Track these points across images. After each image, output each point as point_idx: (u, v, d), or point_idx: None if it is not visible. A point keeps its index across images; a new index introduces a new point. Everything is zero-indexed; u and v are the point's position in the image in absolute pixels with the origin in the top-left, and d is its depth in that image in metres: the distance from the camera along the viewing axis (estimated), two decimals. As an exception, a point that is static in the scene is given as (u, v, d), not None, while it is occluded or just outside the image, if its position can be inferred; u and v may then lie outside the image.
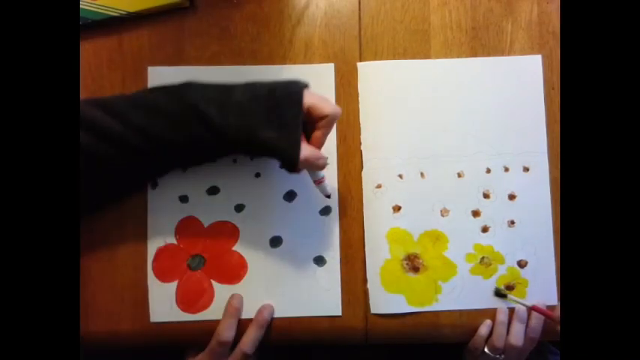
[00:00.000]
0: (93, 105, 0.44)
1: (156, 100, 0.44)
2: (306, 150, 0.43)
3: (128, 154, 0.44)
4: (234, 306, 0.52)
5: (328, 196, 0.52)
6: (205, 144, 0.44)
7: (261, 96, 0.43)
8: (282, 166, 0.44)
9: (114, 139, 0.43)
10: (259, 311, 0.52)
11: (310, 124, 0.45)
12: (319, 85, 0.55)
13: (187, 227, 0.54)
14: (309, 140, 0.46)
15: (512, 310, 0.53)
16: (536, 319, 0.53)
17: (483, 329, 0.53)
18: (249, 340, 0.50)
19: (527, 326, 0.53)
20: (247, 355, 0.51)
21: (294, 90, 0.43)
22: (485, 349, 0.53)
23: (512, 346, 0.52)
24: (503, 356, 0.53)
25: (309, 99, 0.43)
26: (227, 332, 0.50)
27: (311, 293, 0.54)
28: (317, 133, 0.45)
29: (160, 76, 0.54)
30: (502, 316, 0.53)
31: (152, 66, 0.54)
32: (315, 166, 0.46)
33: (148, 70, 0.54)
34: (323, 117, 0.44)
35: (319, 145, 0.46)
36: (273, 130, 0.42)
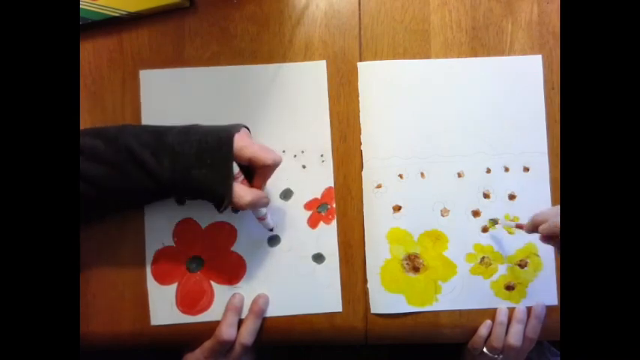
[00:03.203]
0: None
1: (94, 147, 0.45)
2: (250, 194, 0.46)
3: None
4: (235, 305, 0.52)
5: (271, 230, 0.54)
6: (144, 187, 0.46)
7: (194, 140, 0.45)
8: (215, 205, 0.47)
9: None
10: (254, 301, 0.53)
11: (253, 170, 0.48)
12: (312, 83, 0.55)
13: (185, 229, 0.54)
14: (251, 184, 0.48)
15: (511, 311, 0.54)
16: (535, 320, 0.53)
17: (483, 329, 0.53)
18: (247, 332, 0.51)
19: (525, 326, 0.53)
20: (247, 348, 0.51)
21: (225, 136, 0.45)
22: (484, 350, 0.53)
23: (511, 346, 0.52)
24: (501, 356, 0.53)
25: (249, 150, 0.45)
26: (228, 331, 0.50)
27: (311, 291, 0.54)
28: (258, 180, 0.48)
29: (153, 79, 0.54)
30: (501, 317, 0.53)
31: (144, 69, 0.54)
32: (260, 206, 0.49)
33: (140, 74, 0.54)
34: (265, 166, 0.46)
35: (261, 188, 0.49)
36: (205, 169, 0.44)
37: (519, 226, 0.51)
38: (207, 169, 0.44)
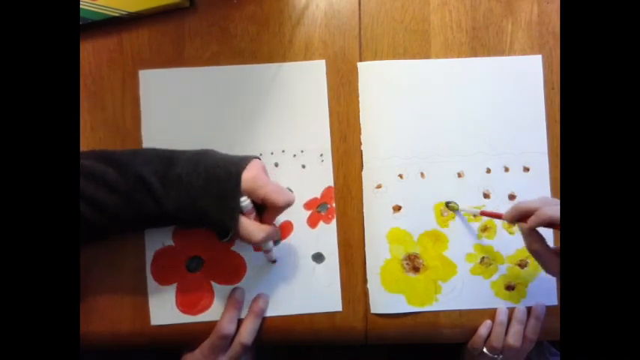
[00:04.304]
0: None
1: (105, 174, 0.45)
2: (262, 232, 0.46)
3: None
4: (236, 299, 0.52)
5: (274, 262, 0.53)
6: (150, 214, 0.45)
7: (202, 171, 0.45)
8: (217, 234, 0.47)
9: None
10: (254, 301, 0.53)
11: (264, 206, 0.47)
12: (312, 83, 0.55)
13: (185, 229, 0.54)
14: (262, 219, 0.48)
15: (511, 311, 0.54)
16: (535, 320, 0.53)
17: (483, 329, 0.53)
18: (247, 331, 0.51)
19: (525, 327, 0.53)
20: (246, 347, 0.51)
21: (234, 171, 0.45)
22: (484, 350, 0.53)
23: (511, 346, 0.52)
24: (501, 356, 0.53)
25: (263, 190, 0.45)
26: (228, 325, 0.50)
27: (311, 291, 0.54)
28: (269, 216, 0.48)
29: (153, 79, 0.54)
30: (501, 317, 0.53)
31: (144, 69, 0.54)
32: (270, 240, 0.49)
33: (139, 74, 0.54)
34: (277, 206, 0.46)
35: (271, 224, 0.48)
36: (211, 198, 0.44)
37: (484, 214, 0.51)
38: (213, 198, 0.44)
